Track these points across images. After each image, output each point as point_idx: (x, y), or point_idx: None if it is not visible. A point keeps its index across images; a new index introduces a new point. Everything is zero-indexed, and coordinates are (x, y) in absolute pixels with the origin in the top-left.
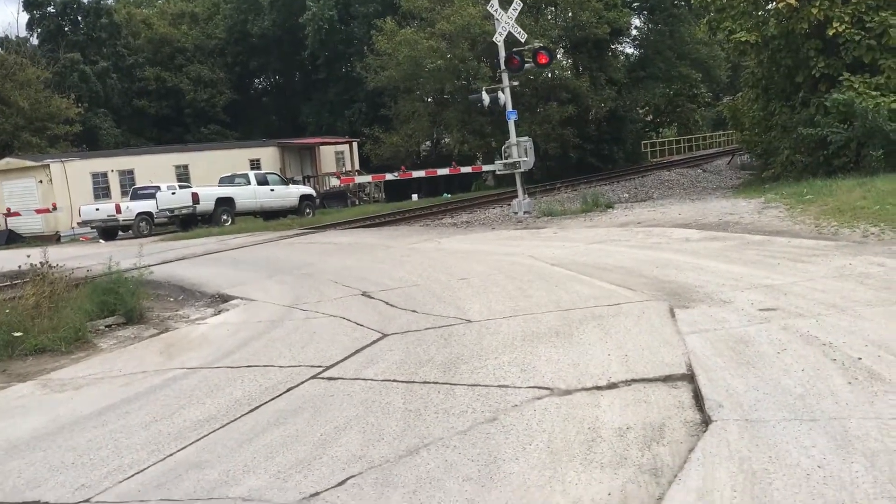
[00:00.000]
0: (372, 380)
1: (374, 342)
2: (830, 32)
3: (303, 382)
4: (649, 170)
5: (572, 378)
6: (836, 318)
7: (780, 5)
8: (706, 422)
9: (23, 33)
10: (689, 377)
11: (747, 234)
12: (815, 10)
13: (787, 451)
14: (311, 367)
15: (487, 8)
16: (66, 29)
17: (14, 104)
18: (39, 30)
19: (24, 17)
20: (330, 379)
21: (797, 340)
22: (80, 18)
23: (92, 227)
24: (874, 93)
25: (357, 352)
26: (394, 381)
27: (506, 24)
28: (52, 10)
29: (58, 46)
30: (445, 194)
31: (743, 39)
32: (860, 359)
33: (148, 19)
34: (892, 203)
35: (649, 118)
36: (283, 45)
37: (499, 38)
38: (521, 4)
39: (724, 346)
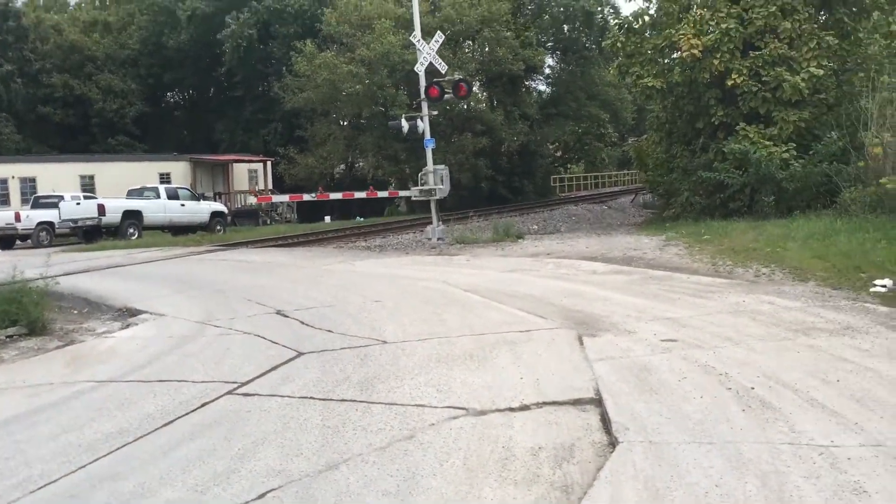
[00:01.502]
0: (289, 396)
1: (290, 360)
2: (730, 83)
3: (218, 398)
4: (557, 203)
5: (487, 399)
6: (732, 350)
7: (685, 55)
8: (613, 443)
9: None
10: (597, 401)
11: (650, 269)
12: (716, 62)
13: (687, 471)
14: (226, 382)
15: (410, 38)
16: None
17: None
18: None
19: None
20: (246, 395)
21: (696, 370)
22: None
23: None
24: (767, 143)
25: (273, 369)
26: (311, 398)
27: (427, 54)
28: None
29: None
30: (359, 217)
31: (650, 84)
32: (753, 388)
33: (58, 25)
34: (782, 246)
35: (559, 154)
36: (199, 61)
37: (420, 68)
38: (443, 37)
39: (629, 373)
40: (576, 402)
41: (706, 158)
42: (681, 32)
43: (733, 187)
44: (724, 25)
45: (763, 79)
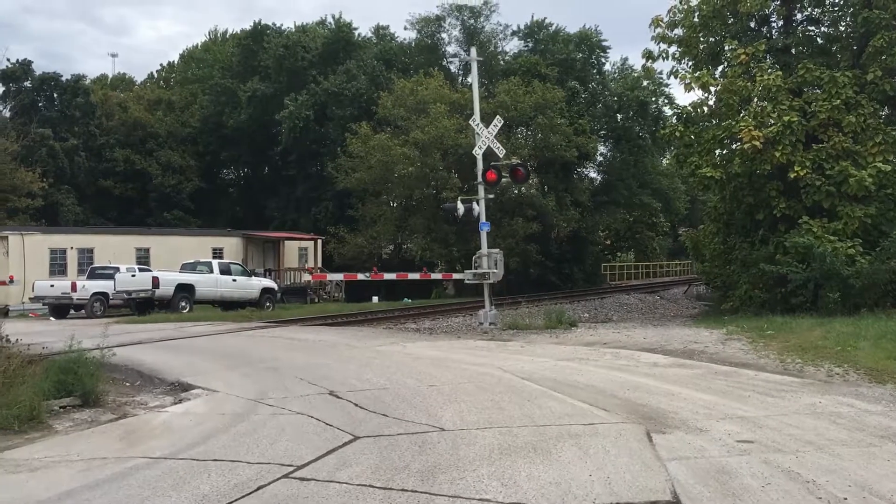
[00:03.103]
0: (347, 483)
1: (346, 444)
2: (792, 176)
3: (274, 481)
4: (608, 292)
5: (556, 497)
6: (815, 455)
7: (746, 146)
8: None
9: None
10: None
11: (713, 363)
12: (778, 154)
13: None
14: (282, 465)
15: (470, 122)
16: (40, 104)
17: None
18: (13, 103)
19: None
20: (302, 479)
21: (780, 475)
22: (55, 95)
23: (44, 304)
24: (832, 237)
25: (328, 453)
26: (370, 486)
27: (486, 138)
28: (29, 85)
29: (30, 120)
30: (406, 299)
31: (708, 175)
32: (846, 499)
33: (124, 102)
34: (853, 345)
35: (609, 241)
36: (255, 139)
37: (478, 152)
38: (501, 122)
39: (706, 475)
40: None
41: (766, 251)
42: (741, 124)
43: (796, 282)
44: (786, 118)
45: (827, 172)
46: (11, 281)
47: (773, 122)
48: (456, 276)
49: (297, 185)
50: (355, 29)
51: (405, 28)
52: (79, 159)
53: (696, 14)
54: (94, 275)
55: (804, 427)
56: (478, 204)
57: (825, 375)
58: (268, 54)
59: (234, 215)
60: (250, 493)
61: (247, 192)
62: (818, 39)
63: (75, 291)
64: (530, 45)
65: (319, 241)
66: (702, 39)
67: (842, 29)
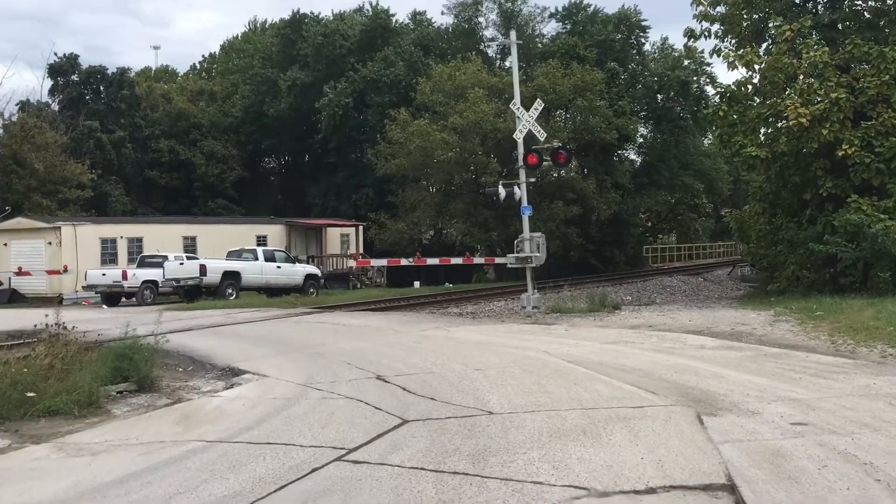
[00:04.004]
0: (399, 466)
1: (396, 427)
2: (840, 154)
3: (327, 464)
4: (650, 274)
5: (608, 480)
6: (872, 437)
7: (792, 124)
8: None
9: (45, 99)
10: (730, 488)
11: (762, 345)
12: (825, 132)
13: None
14: (334, 448)
15: (510, 107)
16: (87, 97)
17: (29, 166)
18: (61, 96)
19: (48, 83)
20: (355, 462)
21: (836, 458)
22: (101, 88)
23: (96, 292)
24: (882, 216)
25: (379, 436)
26: (422, 468)
27: (526, 122)
28: (76, 79)
29: (78, 113)
30: (447, 284)
31: (753, 154)
32: None
33: (168, 94)
34: None
35: (650, 224)
36: (296, 128)
37: (519, 135)
38: (542, 105)
39: (760, 458)
40: (706, 488)
41: (814, 231)
42: (787, 101)
43: (845, 261)
44: (833, 95)
45: (876, 149)
46: (65, 270)
47: (819, 99)
48: (498, 260)
49: (337, 172)
50: (392, 15)
51: (442, 13)
52: (125, 150)
53: None
54: (144, 263)
55: (859, 409)
56: (519, 188)
57: (878, 356)
58: (306, 43)
59: (276, 203)
60: (305, 476)
61: (288, 180)
62: (865, 14)
63: (126, 280)
64: (568, 26)
65: (361, 228)
66: (745, 17)
67: (890, 3)
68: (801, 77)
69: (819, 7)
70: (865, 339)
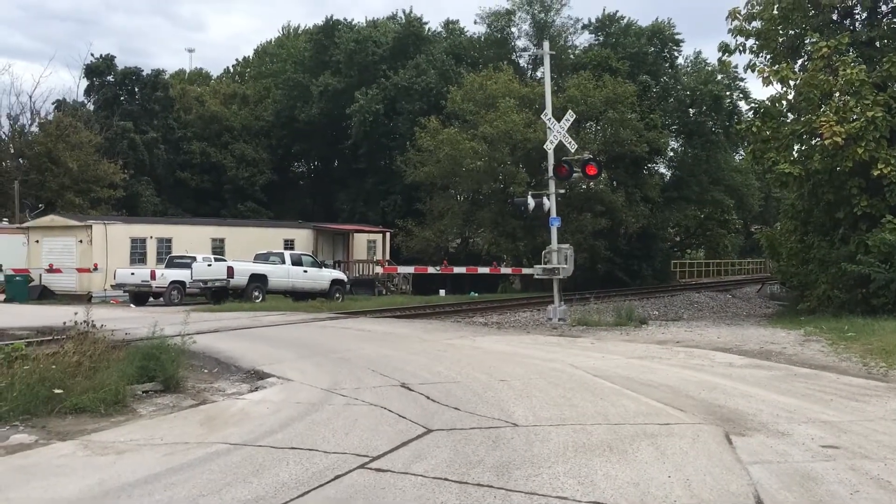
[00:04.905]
0: (422, 476)
1: (420, 436)
2: (875, 173)
3: (350, 471)
4: (677, 289)
5: (635, 498)
6: None
7: (826, 142)
8: None
9: (81, 98)
10: None
11: (792, 365)
12: (860, 150)
13: None
14: (357, 455)
15: (542, 118)
16: (122, 98)
17: (63, 164)
18: (97, 97)
19: (84, 83)
20: (378, 470)
21: (869, 483)
22: (136, 89)
23: (124, 291)
24: None
25: (403, 445)
26: (446, 479)
27: (557, 133)
28: (111, 79)
29: (112, 114)
30: (472, 293)
31: (786, 171)
32: None
33: (201, 97)
34: None
35: (678, 238)
36: (326, 133)
37: (549, 146)
38: (574, 116)
39: (790, 480)
40: None
41: (847, 250)
42: (822, 119)
43: (879, 282)
44: (869, 113)
45: None
46: (95, 269)
47: (855, 117)
48: (525, 270)
49: (366, 178)
50: (425, 24)
51: (475, 22)
52: (158, 152)
53: (776, 6)
54: (173, 264)
55: (892, 433)
56: (548, 198)
57: None
58: (339, 49)
59: (304, 207)
60: (328, 482)
61: (317, 185)
62: None
63: (154, 280)
64: (601, 38)
65: (388, 234)
66: (781, 32)
67: None
68: (837, 94)
69: (857, 24)
70: None
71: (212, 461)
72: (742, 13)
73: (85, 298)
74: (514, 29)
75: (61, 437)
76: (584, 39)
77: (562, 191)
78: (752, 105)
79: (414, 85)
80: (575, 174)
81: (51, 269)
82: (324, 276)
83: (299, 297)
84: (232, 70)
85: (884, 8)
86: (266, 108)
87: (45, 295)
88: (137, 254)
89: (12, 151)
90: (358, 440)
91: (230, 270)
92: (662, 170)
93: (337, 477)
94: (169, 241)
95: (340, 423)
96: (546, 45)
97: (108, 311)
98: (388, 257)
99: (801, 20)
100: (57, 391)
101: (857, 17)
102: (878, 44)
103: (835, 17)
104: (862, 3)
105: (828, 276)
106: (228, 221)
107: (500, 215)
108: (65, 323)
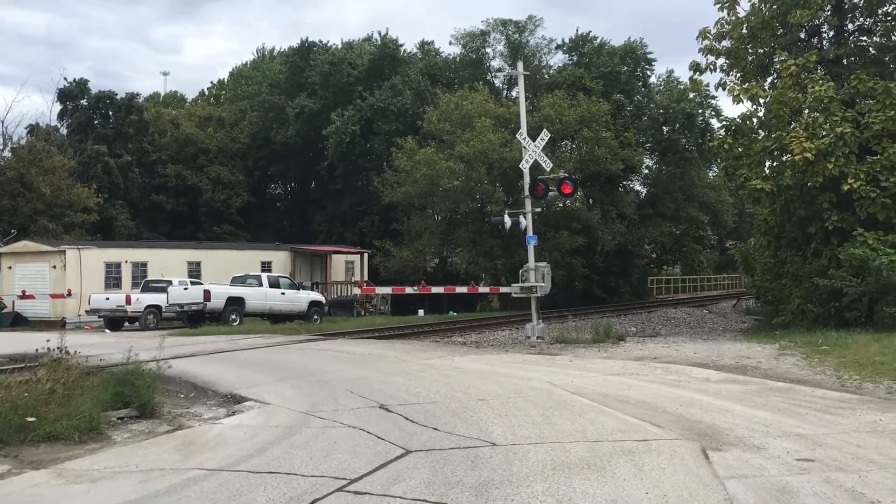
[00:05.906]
0: (401, 498)
1: (398, 458)
2: (845, 188)
3: (329, 494)
4: (655, 306)
5: None
6: (879, 474)
7: (797, 158)
8: None
9: (54, 122)
10: None
11: (768, 379)
12: (830, 166)
13: None
14: (336, 478)
15: (517, 137)
16: (95, 122)
17: (36, 189)
18: (70, 120)
19: (58, 107)
20: (357, 493)
21: (844, 495)
22: (110, 113)
23: (99, 316)
24: (889, 250)
25: (381, 466)
26: (424, 500)
27: (532, 152)
28: (85, 103)
29: (86, 137)
30: (452, 312)
31: (758, 187)
32: None
33: (176, 119)
34: None
35: (654, 255)
36: (303, 155)
37: (525, 165)
38: (548, 135)
39: (766, 494)
40: None
41: (819, 265)
42: (792, 135)
43: (851, 296)
44: (838, 129)
45: (882, 184)
46: (69, 294)
47: (825, 133)
48: (503, 289)
49: (343, 199)
50: (401, 45)
51: (450, 43)
52: (132, 175)
53: (745, 26)
54: (148, 288)
55: (866, 445)
56: (525, 217)
57: (885, 392)
58: (315, 71)
59: (282, 229)
60: None
61: (294, 207)
62: (871, 50)
63: (130, 304)
64: (575, 58)
65: (366, 255)
66: (750, 51)
67: (895, 39)
68: (807, 111)
69: (824, 42)
70: (871, 375)
71: (188, 487)
72: (712, 32)
73: (59, 324)
74: (489, 49)
75: (34, 466)
76: (558, 59)
77: (538, 209)
78: (724, 122)
79: (390, 106)
80: (551, 193)
81: (24, 296)
82: (301, 298)
83: (277, 319)
84: (207, 93)
85: (850, 26)
86: (242, 131)
87: (18, 321)
88: (112, 278)
89: None
90: (336, 463)
91: (207, 294)
92: (638, 187)
93: (315, 501)
94: (144, 265)
95: (319, 445)
96: (520, 65)
97: (83, 337)
98: (366, 278)
99: (770, 39)
100: (30, 419)
101: (824, 35)
102: (845, 61)
103: (802, 35)
104: (829, 22)
105: (801, 291)
106: (205, 244)
107: (478, 234)
108: (38, 350)
